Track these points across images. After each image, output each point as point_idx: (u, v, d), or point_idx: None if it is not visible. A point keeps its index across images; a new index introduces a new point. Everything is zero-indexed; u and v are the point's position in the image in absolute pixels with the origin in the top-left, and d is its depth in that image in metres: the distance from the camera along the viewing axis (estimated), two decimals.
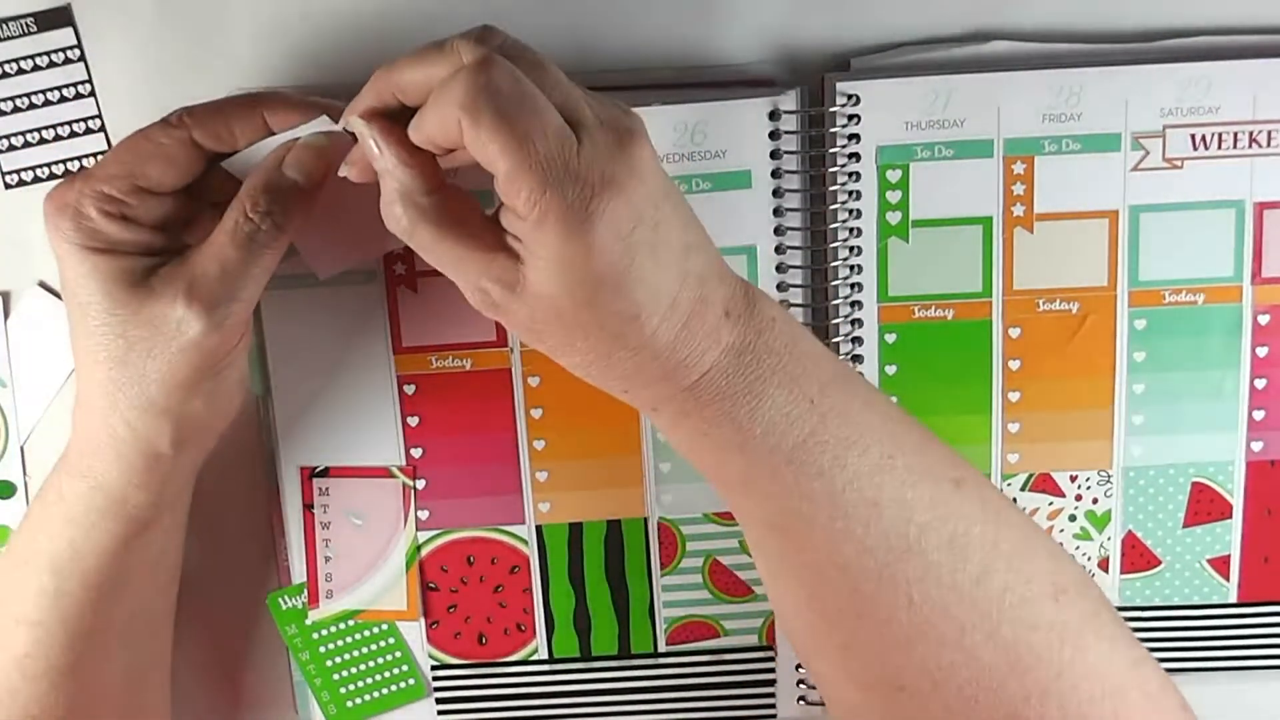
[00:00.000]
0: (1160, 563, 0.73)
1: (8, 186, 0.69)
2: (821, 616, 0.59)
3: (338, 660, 0.73)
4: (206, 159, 0.60)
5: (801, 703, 0.74)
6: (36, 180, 0.69)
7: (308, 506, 0.72)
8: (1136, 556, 0.73)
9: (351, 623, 0.73)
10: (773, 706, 0.74)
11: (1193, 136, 0.68)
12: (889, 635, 0.56)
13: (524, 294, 0.53)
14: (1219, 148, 0.68)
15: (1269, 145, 0.68)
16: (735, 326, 0.56)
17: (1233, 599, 0.73)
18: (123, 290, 0.57)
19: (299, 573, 0.72)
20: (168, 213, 0.60)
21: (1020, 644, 0.55)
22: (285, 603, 0.73)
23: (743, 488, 0.58)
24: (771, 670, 0.74)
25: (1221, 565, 0.73)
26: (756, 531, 0.60)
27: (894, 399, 0.60)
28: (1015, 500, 0.72)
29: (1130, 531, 0.72)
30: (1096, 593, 0.58)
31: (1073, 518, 0.72)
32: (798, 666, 0.73)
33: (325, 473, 0.71)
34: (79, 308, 0.58)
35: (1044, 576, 0.56)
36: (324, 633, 0.73)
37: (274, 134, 0.60)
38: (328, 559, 0.72)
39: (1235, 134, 0.68)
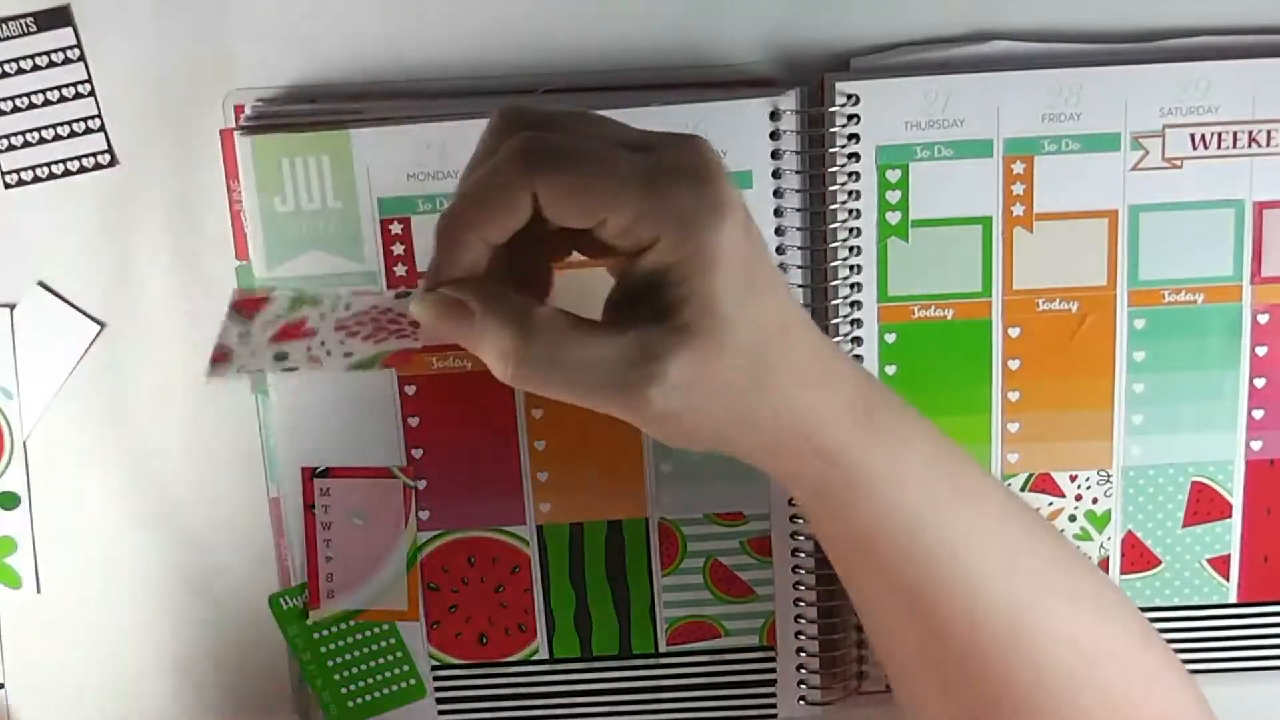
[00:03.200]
0: (1160, 562, 0.73)
1: (8, 186, 0.69)
2: (892, 633, 0.61)
3: (338, 660, 0.73)
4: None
5: (802, 703, 0.74)
6: (36, 180, 0.68)
7: (309, 507, 0.72)
8: (1136, 556, 0.73)
9: (352, 623, 0.73)
10: (773, 706, 0.74)
11: (1192, 136, 0.68)
12: (943, 650, 0.58)
13: (694, 332, 0.49)
14: (1218, 147, 0.68)
15: (1268, 145, 0.68)
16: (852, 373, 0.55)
17: (1233, 599, 0.73)
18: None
19: (299, 573, 0.72)
20: None
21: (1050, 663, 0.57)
22: (286, 603, 0.73)
23: (853, 551, 0.59)
24: (772, 670, 0.73)
25: (1221, 565, 0.73)
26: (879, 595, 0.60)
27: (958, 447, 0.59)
28: None
29: (1130, 531, 0.72)
30: (1148, 634, 0.60)
31: (1073, 518, 0.72)
32: (798, 667, 0.73)
33: (326, 473, 0.71)
34: None
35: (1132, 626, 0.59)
36: (324, 633, 0.73)
37: None
38: (329, 559, 0.72)
39: (1235, 134, 0.68)
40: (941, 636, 0.57)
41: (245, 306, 0.57)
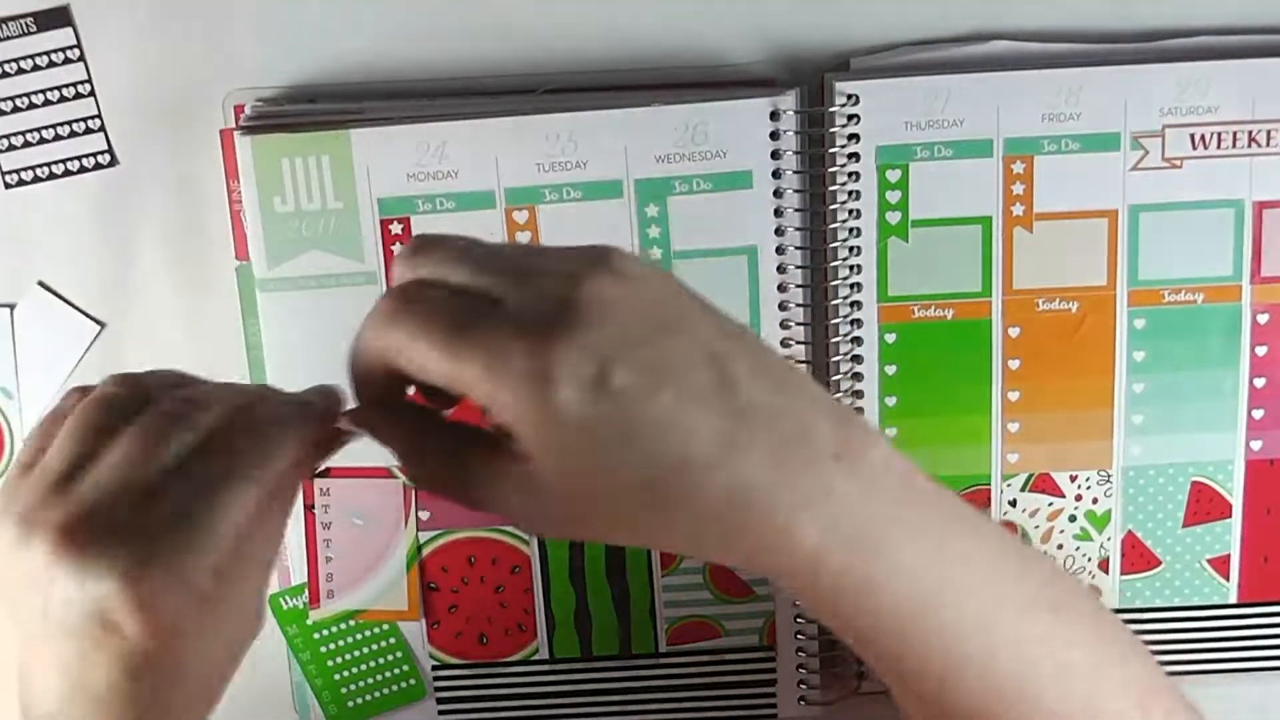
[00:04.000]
0: (1160, 563, 0.73)
1: (8, 186, 0.69)
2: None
3: (338, 660, 0.73)
4: None
5: (802, 703, 0.74)
6: (36, 180, 0.69)
7: (309, 507, 0.71)
8: (1136, 556, 0.72)
9: (352, 623, 0.73)
10: (773, 706, 0.74)
11: (1192, 136, 0.68)
12: None
13: (548, 492, 0.46)
14: (1218, 147, 0.68)
15: (1268, 145, 0.68)
16: (847, 473, 0.48)
17: (1233, 599, 0.73)
18: None
19: (299, 573, 0.72)
20: None
21: None
22: (286, 603, 0.73)
23: (861, 642, 0.53)
24: (772, 670, 0.73)
25: (1221, 565, 0.73)
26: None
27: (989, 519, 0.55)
28: (1015, 505, 0.72)
29: (1130, 531, 0.72)
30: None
31: (1073, 518, 0.72)
32: (798, 667, 0.73)
33: (326, 473, 0.71)
34: None
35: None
36: (325, 633, 0.73)
37: None
38: (328, 559, 0.72)
39: (1234, 134, 0.68)
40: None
41: None
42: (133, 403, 0.49)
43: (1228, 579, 0.73)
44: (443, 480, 0.50)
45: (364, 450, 0.69)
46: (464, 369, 0.45)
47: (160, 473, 0.47)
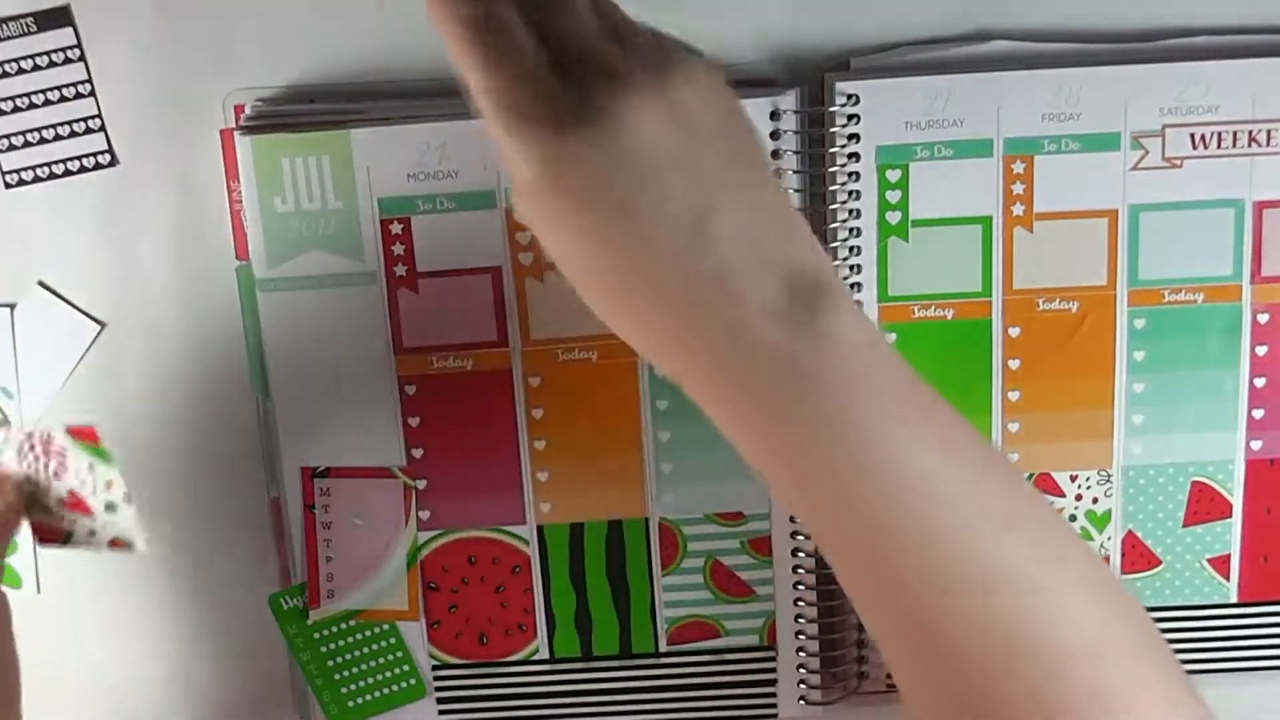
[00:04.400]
0: (1160, 562, 0.73)
1: (8, 186, 0.69)
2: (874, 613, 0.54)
3: (338, 660, 0.73)
4: None
5: (802, 703, 0.74)
6: (37, 180, 0.68)
7: (309, 507, 0.71)
8: (1137, 556, 0.72)
9: (352, 623, 0.73)
10: (774, 706, 0.74)
11: (1192, 136, 0.68)
12: (932, 641, 0.52)
13: (552, 175, 0.48)
14: (1218, 147, 0.68)
15: (1268, 144, 0.68)
16: (780, 326, 0.49)
17: (1233, 599, 0.73)
18: None
19: (300, 573, 0.72)
20: None
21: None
22: (286, 603, 0.72)
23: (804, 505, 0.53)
24: (772, 670, 0.73)
25: (1221, 565, 0.72)
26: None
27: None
28: None
29: (1130, 531, 0.72)
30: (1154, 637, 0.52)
31: (1073, 518, 0.72)
32: (799, 667, 0.73)
33: (326, 473, 0.71)
34: None
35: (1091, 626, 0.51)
36: (325, 633, 0.73)
37: None
38: (329, 559, 0.72)
39: (1235, 133, 0.68)
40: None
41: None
42: None
43: (1228, 579, 0.73)
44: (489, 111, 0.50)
45: (364, 450, 0.70)
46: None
47: None
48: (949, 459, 0.50)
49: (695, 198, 0.49)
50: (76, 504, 0.60)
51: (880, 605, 0.53)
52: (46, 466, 0.60)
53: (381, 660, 0.73)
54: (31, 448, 0.59)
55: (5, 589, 0.60)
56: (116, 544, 0.62)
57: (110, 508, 0.60)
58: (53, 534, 0.62)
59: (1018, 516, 0.51)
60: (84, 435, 0.59)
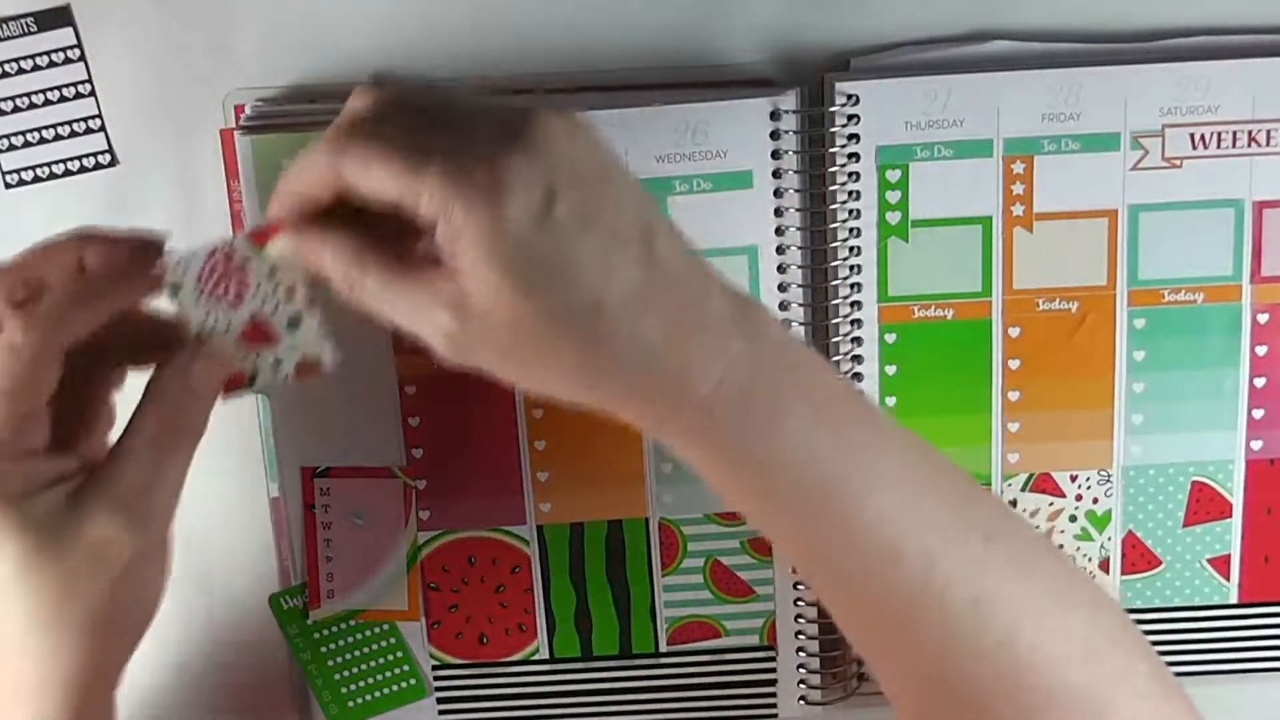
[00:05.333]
0: (1160, 563, 0.72)
1: (8, 186, 0.68)
2: (853, 634, 0.58)
3: (339, 660, 0.73)
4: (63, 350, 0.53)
5: (802, 702, 0.73)
6: (37, 180, 0.68)
7: (309, 507, 0.71)
8: (1137, 556, 0.72)
9: (352, 623, 0.73)
10: (774, 706, 0.74)
11: (1192, 136, 0.68)
12: (914, 670, 0.55)
13: (473, 308, 0.50)
14: (1218, 147, 0.68)
15: (1268, 144, 0.68)
16: (743, 339, 0.52)
17: (1233, 599, 0.73)
18: (45, 535, 0.52)
19: (299, 573, 0.72)
20: (57, 423, 0.55)
21: (1044, 708, 0.52)
22: (286, 603, 0.72)
23: (770, 525, 0.56)
24: (773, 670, 0.73)
25: (1221, 565, 0.72)
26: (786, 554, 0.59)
27: (922, 439, 0.56)
28: (1015, 505, 0.72)
29: (1130, 531, 0.72)
30: (1135, 645, 0.55)
31: (1073, 518, 0.72)
32: (799, 667, 0.73)
33: (326, 473, 0.71)
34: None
35: (1077, 638, 0.53)
36: (325, 633, 0.73)
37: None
38: (329, 559, 0.72)
39: (1234, 133, 0.68)
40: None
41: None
42: None
43: (1228, 579, 0.73)
44: (377, 293, 0.52)
45: (364, 450, 0.70)
46: (422, 181, 0.48)
47: None
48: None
49: (636, 221, 0.52)
50: (258, 333, 0.57)
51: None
52: (226, 293, 0.56)
53: (382, 660, 0.73)
54: (213, 270, 0.55)
55: None
56: (303, 372, 0.58)
57: (293, 323, 0.57)
58: (235, 380, 0.58)
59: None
60: (267, 234, 0.55)
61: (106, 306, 0.54)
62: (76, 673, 0.53)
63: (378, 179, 0.49)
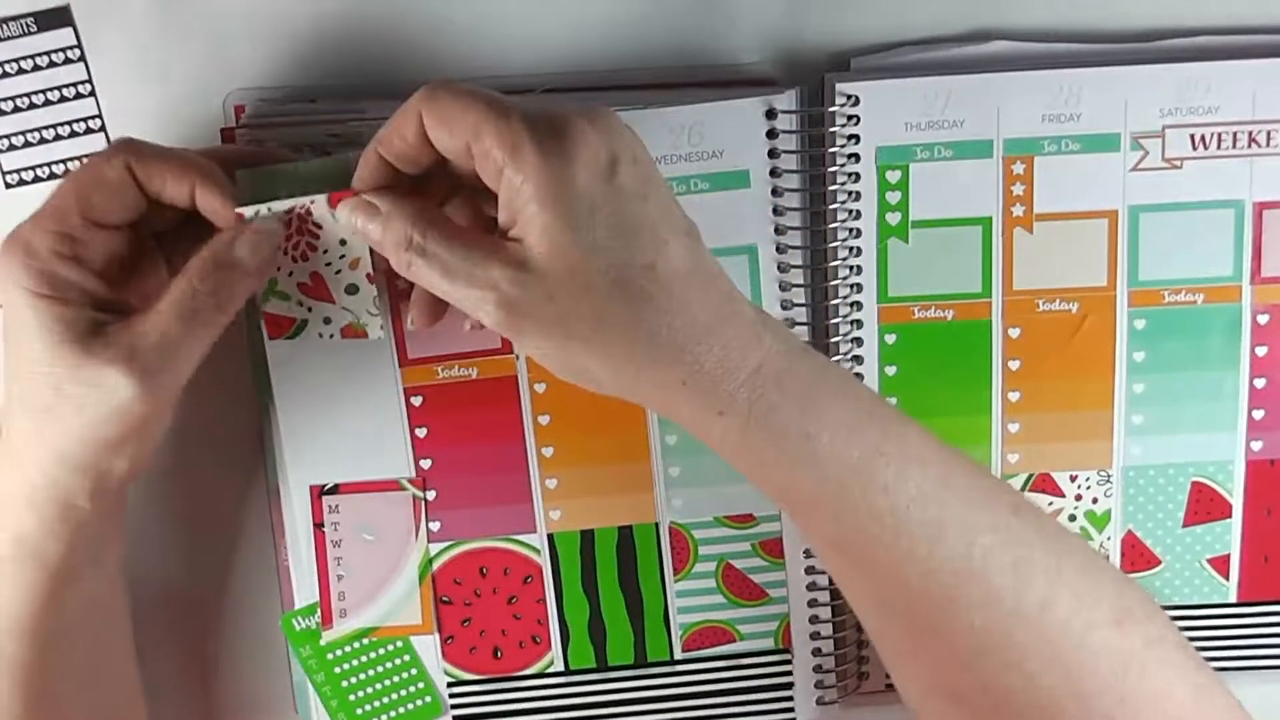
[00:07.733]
0: (1160, 562, 0.70)
1: (8, 186, 0.66)
2: (884, 625, 0.57)
3: (353, 680, 0.69)
4: (148, 198, 0.57)
5: (819, 704, 0.70)
6: (37, 180, 0.66)
7: (318, 525, 0.67)
8: (1137, 556, 0.70)
9: (366, 641, 0.69)
10: (791, 710, 0.70)
11: (1192, 136, 0.66)
12: (950, 653, 0.54)
13: (535, 267, 0.51)
14: (1218, 147, 0.66)
15: (1268, 145, 0.66)
16: (771, 336, 0.54)
17: (1233, 599, 0.70)
18: (67, 344, 0.54)
19: (303, 594, 0.68)
20: (115, 256, 0.57)
21: (1083, 669, 0.52)
22: (299, 624, 0.68)
23: (810, 506, 0.55)
24: (789, 673, 0.70)
25: (1221, 565, 0.70)
26: (820, 548, 0.58)
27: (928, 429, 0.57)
28: None
29: (1130, 531, 0.69)
30: (1161, 618, 0.55)
31: (1073, 518, 0.69)
32: (815, 669, 0.70)
33: (335, 489, 0.67)
34: (17, 353, 0.55)
35: (1107, 602, 0.53)
36: (338, 653, 0.69)
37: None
38: (340, 577, 0.68)
39: (1235, 134, 0.66)
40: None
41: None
42: None
43: (1228, 579, 0.70)
44: (436, 251, 0.52)
45: (373, 463, 0.67)
46: (505, 121, 0.50)
47: None
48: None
49: (681, 215, 0.54)
50: (317, 287, 0.59)
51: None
52: (296, 247, 0.58)
53: (397, 679, 0.69)
54: (290, 221, 0.57)
55: None
56: (350, 331, 0.60)
57: (351, 289, 0.58)
58: (283, 324, 0.60)
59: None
60: (343, 199, 0.57)
61: (193, 176, 0.56)
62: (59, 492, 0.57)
63: (460, 121, 0.50)
